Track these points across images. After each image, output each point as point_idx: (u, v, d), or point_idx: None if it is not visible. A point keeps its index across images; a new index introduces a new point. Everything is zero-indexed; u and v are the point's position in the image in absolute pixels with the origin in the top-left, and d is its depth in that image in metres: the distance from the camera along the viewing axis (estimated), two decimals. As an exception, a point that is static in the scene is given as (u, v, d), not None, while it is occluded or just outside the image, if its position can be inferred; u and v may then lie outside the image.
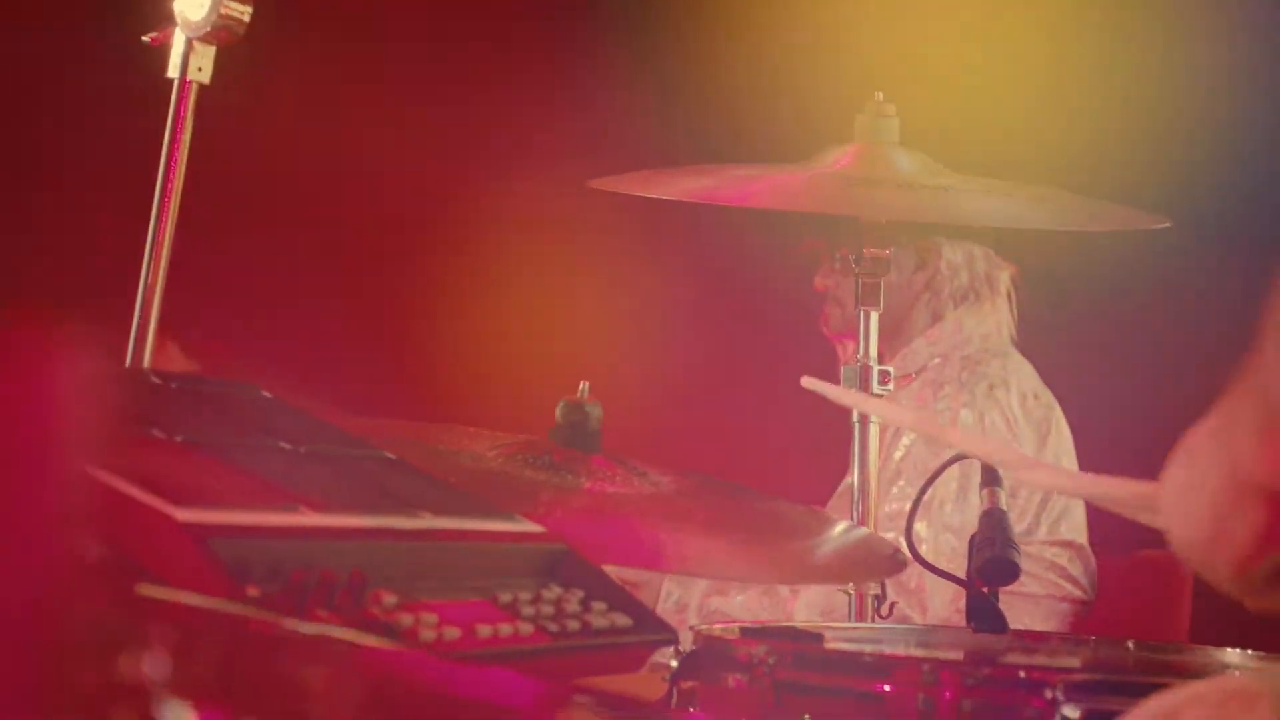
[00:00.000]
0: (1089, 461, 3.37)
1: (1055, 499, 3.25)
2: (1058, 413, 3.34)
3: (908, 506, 2.46)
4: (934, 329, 3.39)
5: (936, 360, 3.36)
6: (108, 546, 1.34)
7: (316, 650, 0.92)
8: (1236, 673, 1.89)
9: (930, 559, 2.62)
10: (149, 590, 1.15)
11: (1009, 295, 3.47)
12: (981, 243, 3.44)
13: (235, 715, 0.81)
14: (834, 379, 2.74)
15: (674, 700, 1.90)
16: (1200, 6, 3.83)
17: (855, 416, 2.72)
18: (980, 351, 3.36)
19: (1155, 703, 1.48)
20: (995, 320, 3.44)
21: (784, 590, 3.16)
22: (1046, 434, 3.31)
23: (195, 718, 0.81)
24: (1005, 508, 2.27)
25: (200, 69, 2.41)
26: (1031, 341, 3.47)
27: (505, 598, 1.59)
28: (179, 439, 1.60)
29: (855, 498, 2.72)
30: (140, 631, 0.84)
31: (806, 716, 1.81)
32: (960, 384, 3.28)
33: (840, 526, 2.61)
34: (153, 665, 0.81)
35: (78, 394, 0.90)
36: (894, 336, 3.36)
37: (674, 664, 1.92)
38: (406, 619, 1.45)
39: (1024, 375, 3.35)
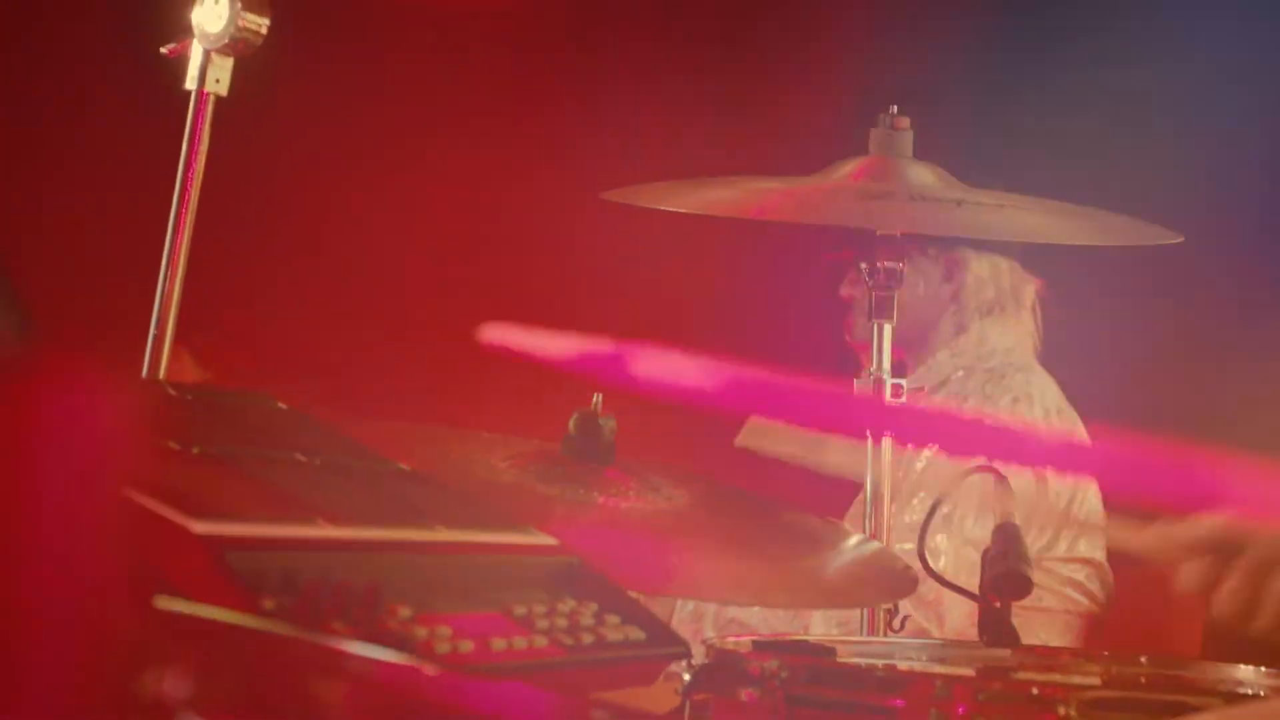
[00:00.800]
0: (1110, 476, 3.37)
1: (1075, 515, 3.24)
2: (1080, 428, 3.33)
3: None
4: (958, 340, 3.38)
5: (960, 373, 3.35)
6: (125, 558, 1.35)
7: (333, 664, 0.92)
8: (1262, 693, 1.88)
9: (950, 573, 2.62)
10: (166, 603, 1.15)
11: (1034, 309, 3.47)
12: (1008, 256, 3.43)
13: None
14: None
15: (687, 713, 1.90)
16: (1213, 18, 3.82)
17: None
18: (1004, 365, 3.35)
19: None
20: (1019, 333, 3.44)
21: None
22: (1068, 450, 3.30)
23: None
24: (1018, 522, 2.27)
25: (218, 80, 2.42)
26: (1053, 356, 3.47)
27: (519, 611, 1.59)
28: (195, 450, 1.60)
29: (868, 510, 2.72)
30: (161, 646, 0.85)
31: (819, 731, 1.81)
32: (984, 397, 3.28)
33: (853, 541, 2.60)
34: (174, 684, 0.82)
35: (98, 407, 0.90)
36: (919, 347, 3.36)
37: (687, 677, 1.92)
38: (421, 631, 1.45)
39: (1047, 389, 3.34)
